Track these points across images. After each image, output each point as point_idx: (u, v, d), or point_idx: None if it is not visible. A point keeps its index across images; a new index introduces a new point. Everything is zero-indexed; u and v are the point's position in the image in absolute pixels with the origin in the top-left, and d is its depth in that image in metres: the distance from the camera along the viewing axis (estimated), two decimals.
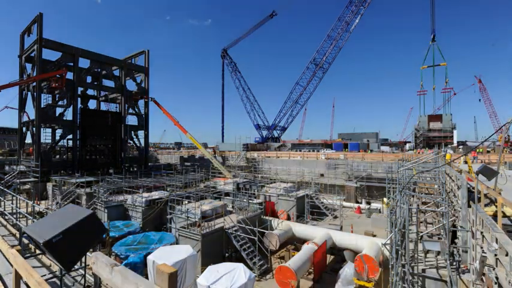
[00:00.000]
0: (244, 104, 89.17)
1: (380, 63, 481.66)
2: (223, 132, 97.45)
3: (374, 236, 22.18)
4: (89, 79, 50.74)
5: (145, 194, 27.90)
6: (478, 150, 43.06)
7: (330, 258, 20.93)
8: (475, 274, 8.06)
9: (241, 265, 13.31)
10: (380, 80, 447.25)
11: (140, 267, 16.66)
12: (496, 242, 6.53)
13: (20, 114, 47.38)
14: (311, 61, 75.00)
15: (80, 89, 47.42)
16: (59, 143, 47.84)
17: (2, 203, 15.02)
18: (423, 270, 10.49)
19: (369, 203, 35.99)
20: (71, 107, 44.43)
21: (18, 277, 3.73)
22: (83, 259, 6.58)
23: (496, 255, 6.45)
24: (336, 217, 29.34)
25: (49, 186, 38.28)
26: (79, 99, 47.72)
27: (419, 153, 51.16)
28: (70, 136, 45.16)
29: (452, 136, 67.91)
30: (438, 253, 10.97)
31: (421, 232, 11.90)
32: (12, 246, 4.57)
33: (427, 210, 14.09)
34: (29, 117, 46.90)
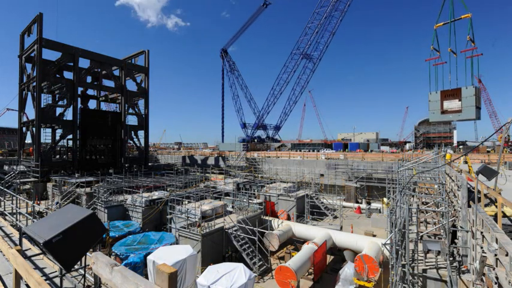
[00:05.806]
0: (234, 102, 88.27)
1: (380, 62, 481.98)
2: (223, 132, 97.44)
3: (374, 236, 22.21)
4: (89, 79, 50.76)
5: (145, 194, 27.89)
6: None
7: (330, 258, 20.93)
8: (475, 274, 8.06)
9: (241, 265, 13.30)
10: (380, 80, 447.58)
11: (140, 267, 16.67)
12: (496, 242, 6.53)
13: (20, 114, 47.41)
14: (295, 51, 68.50)
15: (80, 89, 47.44)
16: (59, 143, 47.88)
17: (2, 203, 15.01)
18: (423, 271, 10.49)
19: (369, 203, 36.00)
20: (71, 107, 44.43)
21: (18, 277, 3.73)
22: (83, 259, 6.58)
23: (496, 255, 6.45)
24: (336, 217, 29.33)
25: (49, 186, 38.31)
26: (79, 99, 47.74)
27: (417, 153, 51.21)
28: (70, 136, 45.19)
29: (452, 136, 67.89)
30: (438, 253, 10.97)
31: (421, 232, 11.90)
32: (12, 247, 4.57)
33: (427, 210, 14.09)
34: (28, 118, 46.92)
